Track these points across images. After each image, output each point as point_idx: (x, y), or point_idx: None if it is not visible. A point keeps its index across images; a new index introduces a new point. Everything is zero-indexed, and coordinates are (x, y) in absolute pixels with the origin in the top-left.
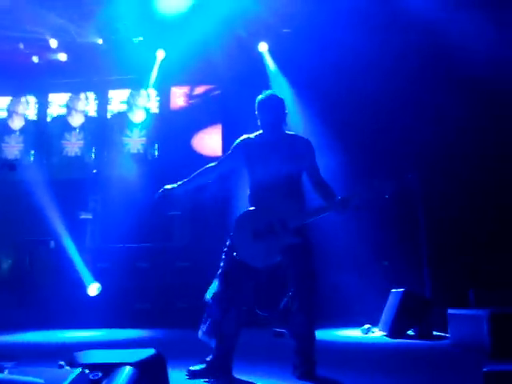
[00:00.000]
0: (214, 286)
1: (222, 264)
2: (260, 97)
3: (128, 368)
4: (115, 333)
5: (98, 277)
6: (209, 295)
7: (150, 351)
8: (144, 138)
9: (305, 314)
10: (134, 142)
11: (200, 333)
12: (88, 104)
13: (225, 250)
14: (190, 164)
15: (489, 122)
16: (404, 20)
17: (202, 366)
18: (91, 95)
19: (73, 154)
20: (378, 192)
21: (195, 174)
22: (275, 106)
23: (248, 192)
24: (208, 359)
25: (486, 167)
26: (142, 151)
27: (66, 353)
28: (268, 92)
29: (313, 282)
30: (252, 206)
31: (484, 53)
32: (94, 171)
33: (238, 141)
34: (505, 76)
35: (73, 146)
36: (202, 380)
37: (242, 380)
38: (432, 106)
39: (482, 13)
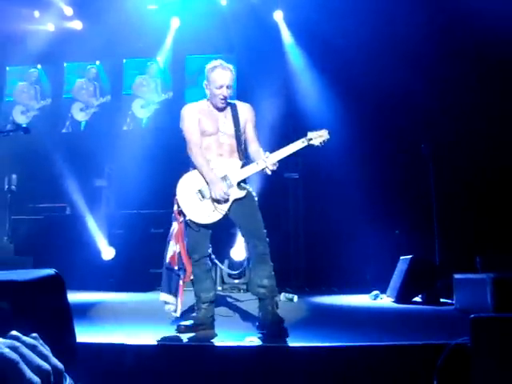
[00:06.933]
0: (170, 249)
1: (173, 227)
2: (218, 64)
3: None
4: (129, 296)
5: (112, 242)
6: (167, 259)
7: (49, 271)
8: (156, 106)
9: (260, 268)
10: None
11: (163, 295)
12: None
13: (173, 214)
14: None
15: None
16: None
17: (190, 321)
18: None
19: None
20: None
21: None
22: (233, 75)
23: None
24: (194, 315)
25: (498, 138)
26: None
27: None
28: (221, 61)
29: (263, 231)
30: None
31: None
32: None
33: (190, 110)
34: None
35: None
36: (191, 334)
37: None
38: (451, 79)
39: None
